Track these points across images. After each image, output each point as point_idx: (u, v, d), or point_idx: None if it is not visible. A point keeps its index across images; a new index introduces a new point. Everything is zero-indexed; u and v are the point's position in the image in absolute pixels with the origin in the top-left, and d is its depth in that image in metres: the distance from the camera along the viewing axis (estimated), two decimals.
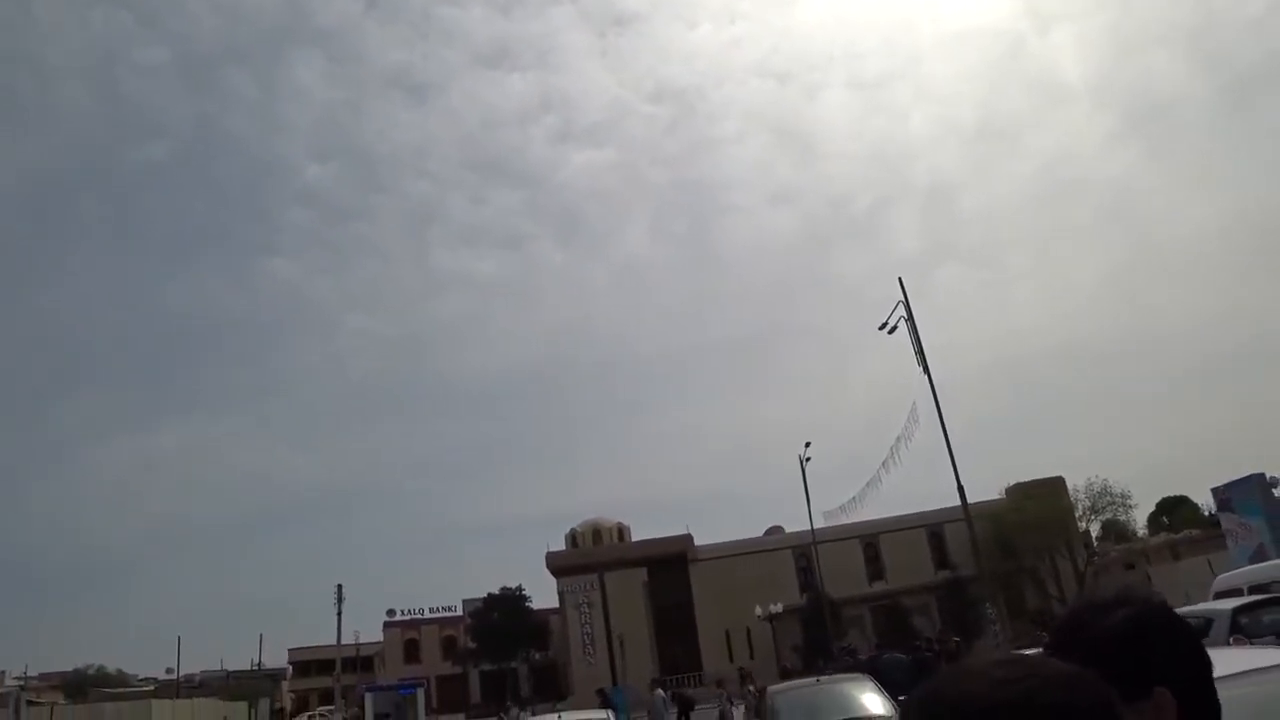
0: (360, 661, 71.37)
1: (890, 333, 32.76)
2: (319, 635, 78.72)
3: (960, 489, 29.76)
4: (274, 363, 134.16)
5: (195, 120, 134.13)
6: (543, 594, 66.48)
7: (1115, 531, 69.66)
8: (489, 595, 64.03)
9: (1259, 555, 26.72)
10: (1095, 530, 62.98)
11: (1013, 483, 57.17)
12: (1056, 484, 55.76)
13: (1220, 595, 19.13)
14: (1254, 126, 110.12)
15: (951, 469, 29.10)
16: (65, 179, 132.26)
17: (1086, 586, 51.89)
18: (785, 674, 24.11)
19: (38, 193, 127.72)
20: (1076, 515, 56.43)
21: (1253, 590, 18.32)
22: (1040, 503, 53.33)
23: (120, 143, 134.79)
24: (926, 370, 29.70)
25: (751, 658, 54.29)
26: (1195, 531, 69.72)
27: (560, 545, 62.90)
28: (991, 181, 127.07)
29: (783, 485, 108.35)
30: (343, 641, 72.93)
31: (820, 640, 51.54)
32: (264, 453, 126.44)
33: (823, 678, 15.51)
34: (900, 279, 31.25)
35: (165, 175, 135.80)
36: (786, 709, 13.35)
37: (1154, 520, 76.69)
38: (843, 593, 51.72)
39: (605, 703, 31.37)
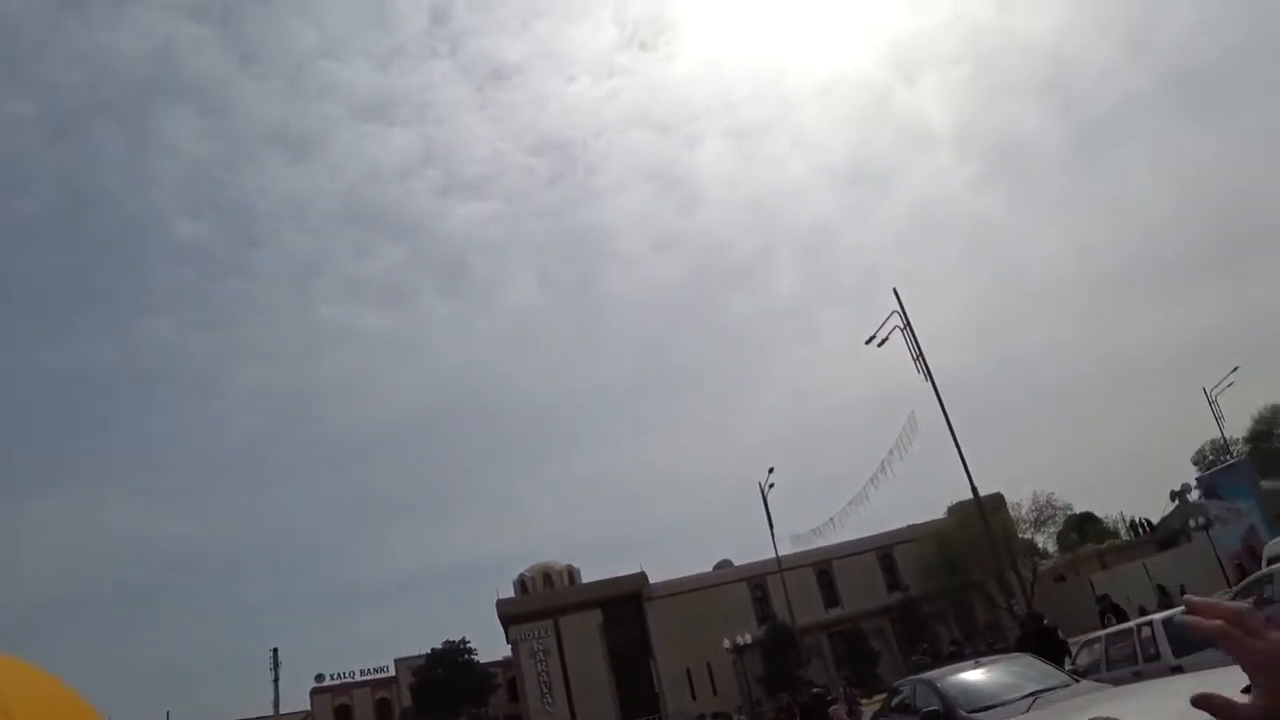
0: None
1: (880, 345, 33.68)
2: (235, 710, 74.24)
3: (974, 490, 30.53)
4: (155, 424, 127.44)
5: (62, 176, 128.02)
6: (489, 645, 64.73)
7: (1026, 549, 72.14)
8: (431, 651, 61.69)
9: (1251, 535, 28.27)
10: (1041, 542, 65.08)
11: (954, 501, 58.69)
12: (996, 500, 57.42)
13: (1274, 559, 20.17)
14: (1101, 168, 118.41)
15: (964, 470, 29.89)
16: None
17: (1034, 599, 53.47)
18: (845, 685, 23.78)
19: None
20: (1021, 529, 58.15)
21: None
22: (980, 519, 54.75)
23: None
24: (929, 376, 30.47)
25: (715, 694, 53.81)
26: (1118, 540, 73.20)
27: (508, 593, 61.25)
28: (866, 224, 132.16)
29: (721, 517, 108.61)
30: (257, 715, 69.06)
31: (783, 671, 51.52)
32: (147, 519, 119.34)
33: (981, 660, 15.25)
34: (895, 290, 32.22)
35: (31, 234, 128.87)
36: (961, 690, 13.00)
37: (1063, 536, 79.58)
38: (800, 621, 51.85)
39: None
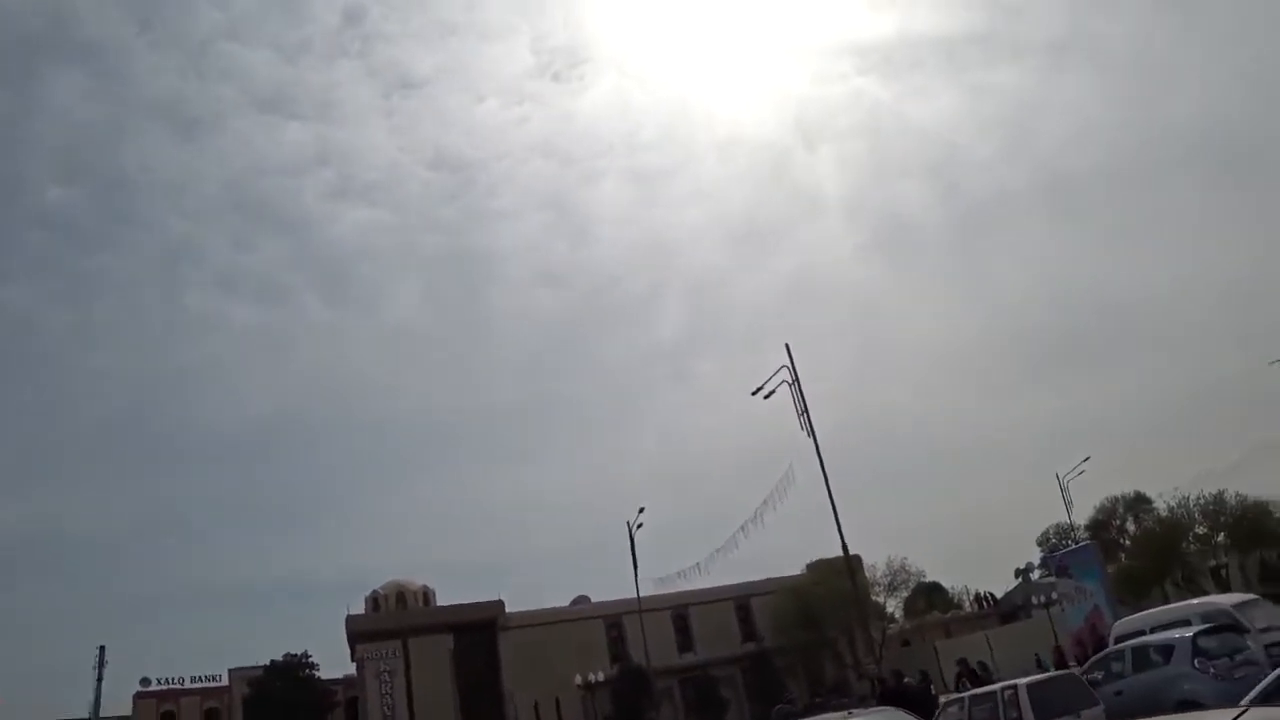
0: None
1: (767, 398, 34.17)
2: (51, 710, 69.16)
3: (845, 547, 31.14)
4: None
5: None
6: (332, 662, 62.55)
7: (876, 611, 74.33)
8: (271, 663, 59.17)
9: (1095, 614, 29.90)
10: (892, 606, 66.83)
11: (814, 559, 59.92)
12: (854, 561, 58.79)
13: (1121, 638, 21.20)
14: (973, 252, 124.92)
15: (838, 531, 30.55)
16: None
17: (883, 660, 54.89)
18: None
19: None
20: (874, 592, 59.64)
21: (1154, 630, 20.56)
22: (839, 578, 55.99)
23: None
24: (812, 433, 31.12)
25: None
26: (962, 611, 75.95)
27: (360, 610, 59.17)
28: (753, 279, 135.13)
29: (582, 552, 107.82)
30: (74, 718, 64.73)
31: (633, 712, 51.41)
32: None
33: (854, 711, 15.46)
34: (787, 345, 32.88)
35: None
36: None
37: (909, 603, 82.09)
38: (654, 664, 51.81)
39: None
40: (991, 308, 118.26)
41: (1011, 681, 15.50)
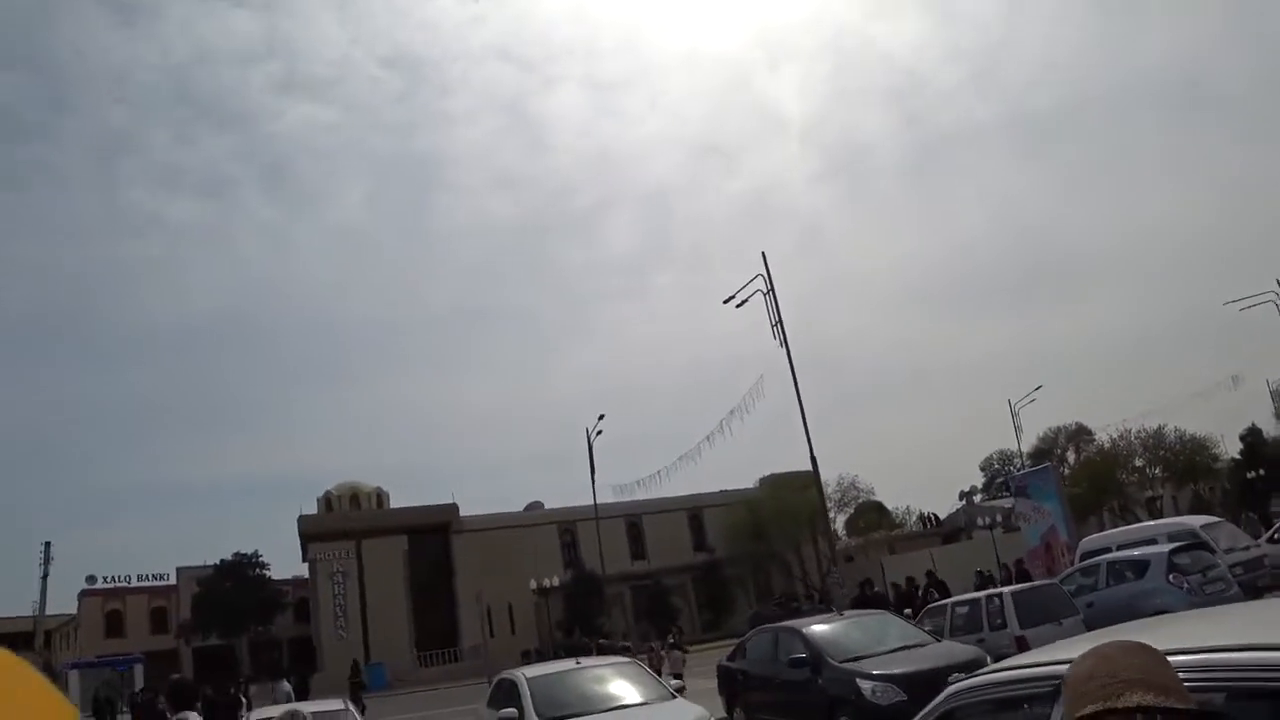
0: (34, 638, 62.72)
1: (739, 306, 34.11)
2: None
3: (813, 459, 31.60)
4: None
5: None
6: (282, 563, 62.53)
7: (821, 530, 76.25)
8: (221, 562, 58.86)
9: (1050, 534, 30.80)
10: (841, 522, 68.28)
11: (767, 473, 60.84)
12: (807, 477, 59.78)
13: (1087, 555, 21.81)
14: (928, 184, 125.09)
15: (806, 441, 30.97)
16: None
17: (831, 573, 56.32)
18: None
19: None
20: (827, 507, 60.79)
21: (1119, 548, 21.14)
22: (793, 493, 56.94)
23: None
24: (785, 343, 31.22)
25: (513, 633, 53.91)
26: (905, 530, 78.02)
27: (312, 511, 58.86)
28: (708, 197, 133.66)
29: (533, 461, 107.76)
30: (17, 616, 64.05)
31: (583, 617, 52.21)
32: None
33: (846, 612, 15.62)
34: (764, 254, 32.68)
35: None
36: (828, 641, 12.99)
37: (851, 522, 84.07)
38: (607, 570, 52.50)
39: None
40: (950, 239, 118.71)
41: (998, 590, 15.79)
